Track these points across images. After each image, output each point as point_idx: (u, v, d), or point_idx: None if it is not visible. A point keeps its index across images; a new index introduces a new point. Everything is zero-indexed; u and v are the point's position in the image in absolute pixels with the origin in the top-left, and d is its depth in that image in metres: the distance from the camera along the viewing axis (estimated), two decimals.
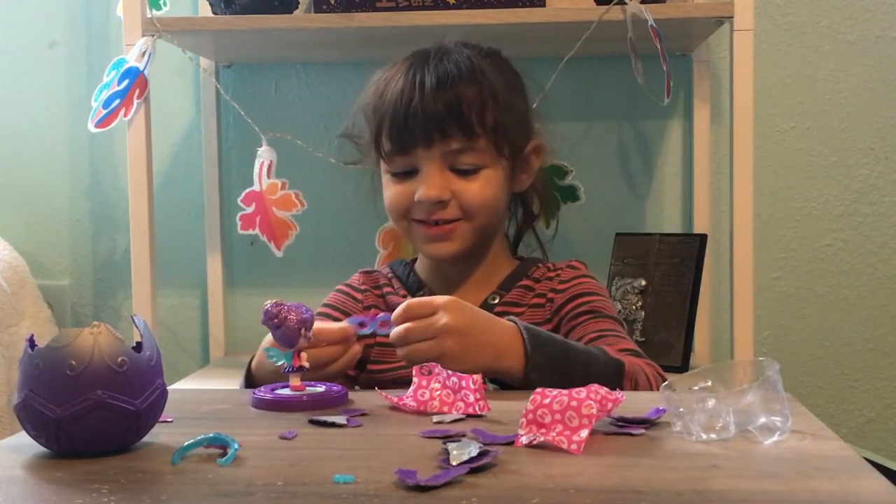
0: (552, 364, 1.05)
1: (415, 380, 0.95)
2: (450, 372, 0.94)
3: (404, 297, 1.30)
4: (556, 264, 1.34)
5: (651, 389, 1.11)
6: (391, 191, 1.28)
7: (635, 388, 1.10)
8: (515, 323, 1.09)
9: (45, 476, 0.72)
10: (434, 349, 1.03)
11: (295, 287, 1.89)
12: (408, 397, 0.94)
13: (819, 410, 1.79)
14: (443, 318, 1.04)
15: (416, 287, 1.33)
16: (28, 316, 1.74)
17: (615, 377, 1.08)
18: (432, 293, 1.29)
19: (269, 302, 1.00)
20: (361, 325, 1.08)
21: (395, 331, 1.05)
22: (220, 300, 1.85)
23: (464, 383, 0.93)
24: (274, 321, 0.98)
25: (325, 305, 1.33)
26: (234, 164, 1.87)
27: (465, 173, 1.25)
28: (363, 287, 1.34)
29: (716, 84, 1.80)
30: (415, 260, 1.37)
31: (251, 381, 1.17)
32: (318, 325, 1.04)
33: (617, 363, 1.10)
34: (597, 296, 1.29)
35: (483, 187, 1.26)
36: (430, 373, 0.94)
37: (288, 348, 0.99)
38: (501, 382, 1.10)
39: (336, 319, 1.27)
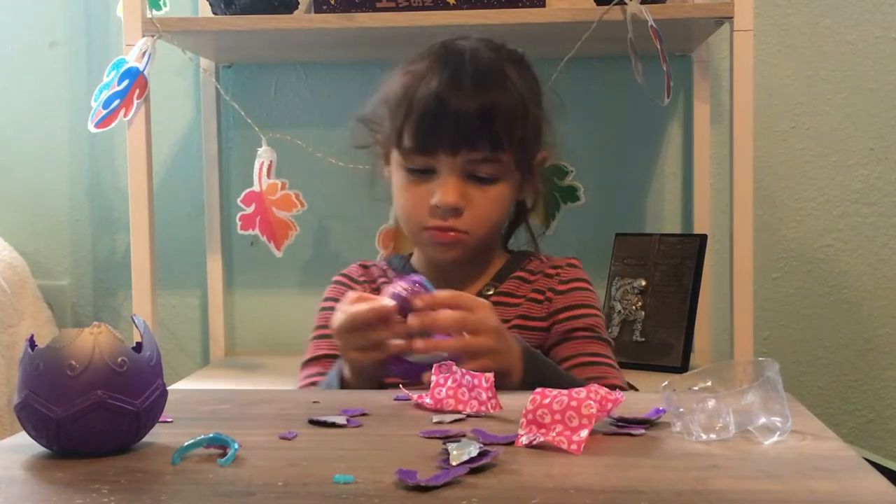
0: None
1: (433, 378, 0.95)
2: (464, 370, 0.94)
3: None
4: (551, 258, 1.33)
5: None
6: (407, 192, 1.25)
7: None
8: (520, 343, 1.11)
9: (45, 476, 0.72)
10: (485, 346, 1.04)
11: (295, 287, 1.89)
12: (426, 395, 0.95)
13: (819, 410, 1.79)
14: (493, 319, 1.06)
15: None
16: (28, 316, 1.74)
17: None
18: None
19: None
20: (402, 297, 1.06)
21: (449, 315, 1.04)
22: (220, 300, 1.85)
23: (476, 381, 0.93)
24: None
25: (328, 300, 1.33)
26: (234, 164, 1.87)
27: (481, 181, 1.23)
28: (361, 279, 1.33)
29: (716, 84, 1.80)
30: (411, 254, 1.37)
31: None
32: (353, 307, 1.06)
33: None
34: (593, 309, 1.28)
35: (495, 200, 1.25)
36: (448, 371, 0.95)
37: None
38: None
39: None
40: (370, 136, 1.33)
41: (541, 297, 1.28)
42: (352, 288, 1.31)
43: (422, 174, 1.23)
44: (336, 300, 1.30)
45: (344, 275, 1.34)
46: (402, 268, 1.33)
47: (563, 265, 1.31)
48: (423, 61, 1.25)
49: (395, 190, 1.27)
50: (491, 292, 1.28)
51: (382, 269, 1.35)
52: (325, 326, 1.27)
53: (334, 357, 1.22)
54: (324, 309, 1.30)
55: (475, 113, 1.20)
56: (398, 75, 1.26)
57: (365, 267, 1.36)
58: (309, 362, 1.27)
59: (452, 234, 1.23)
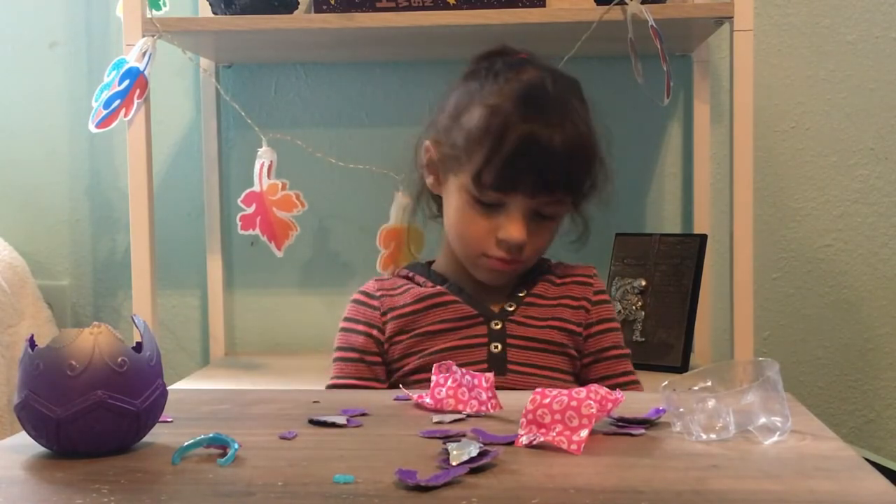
0: None
1: (433, 377, 0.95)
2: (464, 370, 0.95)
3: (432, 287, 1.29)
4: (564, 264, 1.35)
5: None
6: (472, 222, 1.24)
7: None
8: None
9: (45, 476, 0.72)
10: None
11: (295, 287, 1.89)
12: (427, 395, 0.95)
13: (819, 410, 1.79)
14: None
15: (440, 281, 1.31)
16: (28, 316, 1.74)
17: None
18: (459, 288, 1.29)
19: None
20: None
21: None
22: (220, 300, 1.85)
23: (476, 381, 0.93)
24: None
25: (347, 320, 1.31)
26: (234, 164, 1.87)
27: (543, 217, 1.25)
28: (378, 293, 1.31)
29: (716, 84, 1.80)
30: (430, 262, 1.37)
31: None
32: None
33: None
34: (616, 322, 1.32)
35: (552, 233, 1.28)
36: (448, 371, 0.95)
37: None
38: None
39: (361, 354, 1.27)
40: (429, 152, 1.30)
41: (576, 303, 1.29)
42: (370, 304, 1.29)
43: (489, 206, 1.23)
44: (356, 321, 1.30)
45: (362, 292, 1.32)
46: (426, 272, 1.33)
47: (592, 274, 1.33)
48: (502, 94, 1.23)
49: (455, 213, 1.26)
50: (523, 294, 1.28)
51: (405, 275, 1.34)
52: (348, 348, 1.29)
53: (361, 387, 1.25)
54: (344, 330, 1.30)
55: (560, 162, 1.21)
56: (477, 106, 1.24)
57: (381, 279, 1.34)
58: (335, 388, 1.27)
59: (512, 265, 1.25)
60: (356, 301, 1.32)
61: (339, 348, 1.30)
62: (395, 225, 1.71)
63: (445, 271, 1.32)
